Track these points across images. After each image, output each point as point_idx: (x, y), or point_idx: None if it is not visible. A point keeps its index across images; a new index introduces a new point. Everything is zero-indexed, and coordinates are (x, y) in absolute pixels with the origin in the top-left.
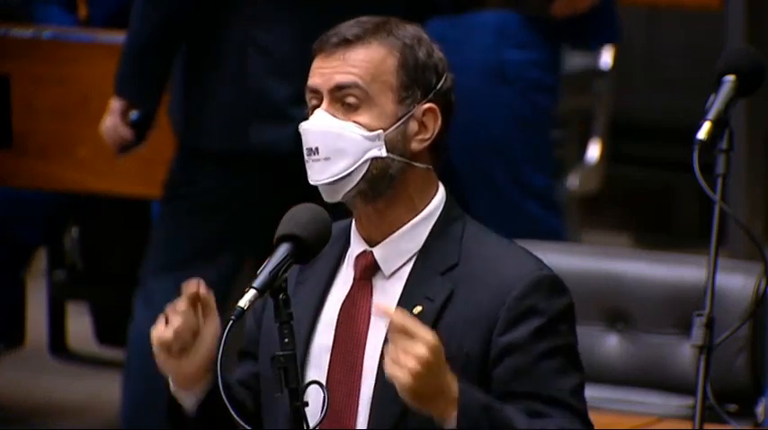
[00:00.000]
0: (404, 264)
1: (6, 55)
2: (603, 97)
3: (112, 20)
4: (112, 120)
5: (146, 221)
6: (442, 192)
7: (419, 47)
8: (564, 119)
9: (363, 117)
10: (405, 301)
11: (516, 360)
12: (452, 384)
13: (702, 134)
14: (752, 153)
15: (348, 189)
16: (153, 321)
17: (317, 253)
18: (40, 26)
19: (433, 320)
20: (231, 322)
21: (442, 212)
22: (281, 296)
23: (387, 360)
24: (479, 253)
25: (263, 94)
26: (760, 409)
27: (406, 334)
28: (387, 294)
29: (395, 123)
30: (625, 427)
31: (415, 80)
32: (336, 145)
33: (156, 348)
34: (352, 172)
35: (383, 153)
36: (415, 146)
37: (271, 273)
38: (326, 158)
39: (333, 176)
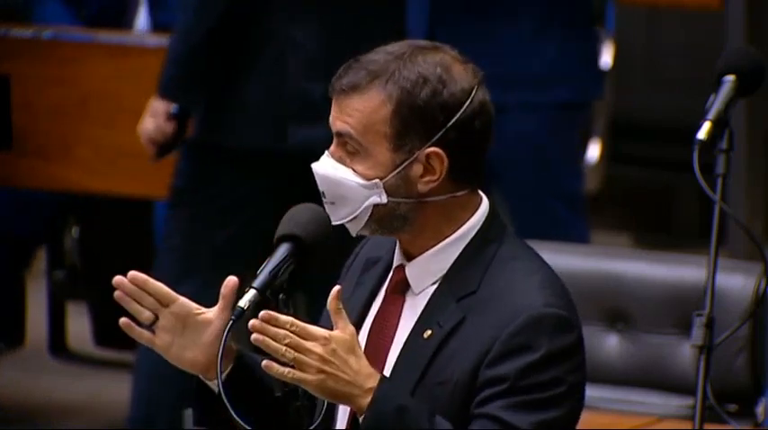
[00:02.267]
0: (432, 284)
1: (6, 55)
2: (603, 97)
3: (98, 18)
4: (155, 122)
5: (145, 221)
6: (481, 212)
7: (422, 89)
8: None
9: (360, 166)
10: (420, 323)
11: (494, 389)
12: (367, 375)
13: (702, 134)
14: (752, 153)
15: (359, 229)
16: None
17: (316, 253)
18: (40, 26)
19: (436, 346)
20: (231, 322)
21: (477, 233)
22: (280, 296)
23: (286, 371)
24: (499, 281)
25: (300, 93)
26: (760, 409)
27: (299, 335)
28: (414, 312)
29: (392, 171)
30: (625, 427)
31: (412, 127)
32: (338, 191)
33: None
34: (356, 217)
35: (384, 199)
36: (422, 187)
37: (271, 272)
38: (332, 203)
39: (340, 220)
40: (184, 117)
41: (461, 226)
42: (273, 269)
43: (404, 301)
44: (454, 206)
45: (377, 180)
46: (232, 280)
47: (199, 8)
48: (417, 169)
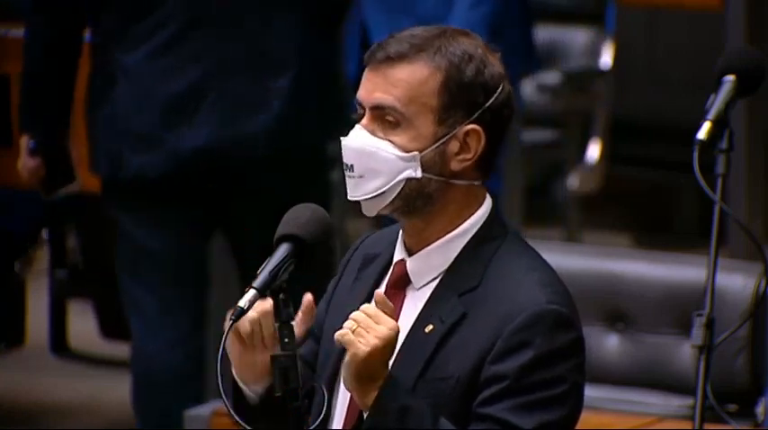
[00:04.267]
0: (433, 280)
1: (6, 55)
2: (603, 97)
3: None
4: (22, 158)
5: None
6: (485, 208)
7: (467, 65)
8: (564, 119)
9: (400, 137)
10: (421, 318)
11: (497, 387)
12: (384, 376)
13: (702, 134)
14: (752, 153)
15: (383, 206)
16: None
17: (317, 253)
18: None
19: (438, 341)
20: (231, 322)
21: (479, 230)
22: (280, 296)
23: (346, 332)
24: (501, 278)
25: (129, 122)
26: (760, 409)
27: (374, 317)
28: (415, 307)
29: (432, 145)
30: (625, 427)
31: (457, 101)
32: (370, 164)
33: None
34: (385, 191)
35: (418, 174)
36: (455, 165)
37: (271, 273)
38: (360, 176)
39: (366, 194)
40: (57, 154)
41: (468, 218)
42: (273, 269)
43: (404, 297)
44: (470, 195)
45: (416, 152)
46: (308, 298)
47: (27, 38)
48: (454, 146)
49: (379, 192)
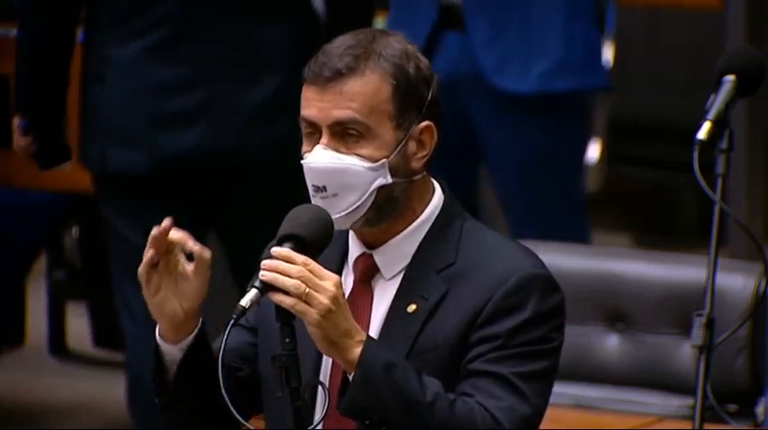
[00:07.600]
0: (402, 267)
1: (6, 55)
2: (603, 97)
3: None
4: (16, 138)
5: None
6: (439, 192)
7: (408, 62)
8: None
9: (366, 149)
10: (400, 299)
11: (485, 346)
12: (359, 331)
13: (702, 134)
14: (752, 153)
15: (356, 219)
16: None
17: (318, 253)
18: None
19: (425, 318)
20: (232, 322)
21: (440, 212)
22: None
23: (296, 301)
24: (477, 250)
25: (116, 118)
26: (760, 409)
27: (314, 273)
28: (387, 296)
29: (396, 149)
30: (625, 427)
31: (409, 102)
32: (343, 181)
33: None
34: (360, 204)
35: (388, 180)
36: (415, 164)
37: None
38: (335, 195)
39: (342, 211)
40: (41, 130)
41: (427, 206)
42: None
43: (372, 289)
44: (425, 186)
45: (384, 160)
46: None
47: (20, 25)
48: (412, 146)
49: (355, 206)
